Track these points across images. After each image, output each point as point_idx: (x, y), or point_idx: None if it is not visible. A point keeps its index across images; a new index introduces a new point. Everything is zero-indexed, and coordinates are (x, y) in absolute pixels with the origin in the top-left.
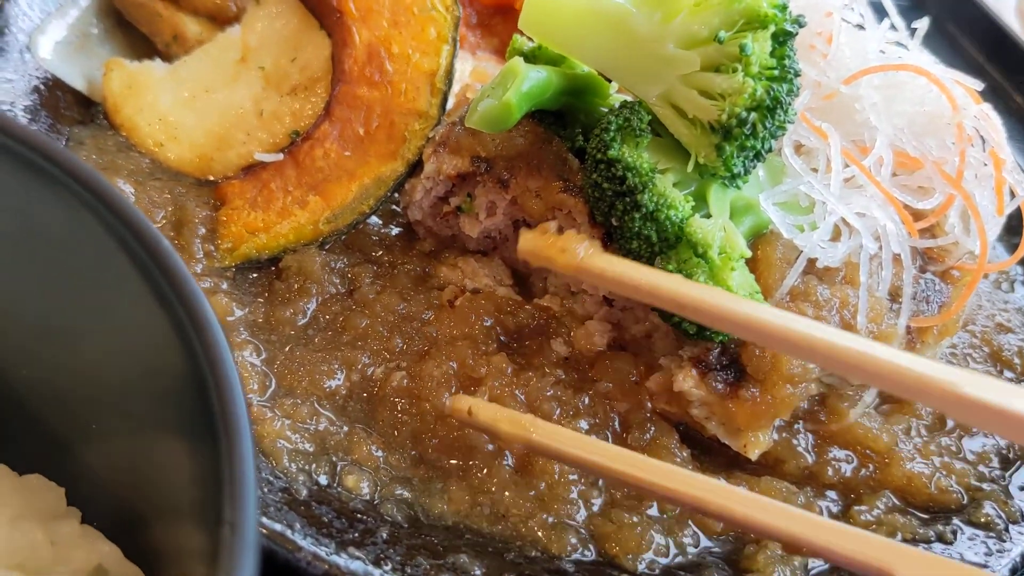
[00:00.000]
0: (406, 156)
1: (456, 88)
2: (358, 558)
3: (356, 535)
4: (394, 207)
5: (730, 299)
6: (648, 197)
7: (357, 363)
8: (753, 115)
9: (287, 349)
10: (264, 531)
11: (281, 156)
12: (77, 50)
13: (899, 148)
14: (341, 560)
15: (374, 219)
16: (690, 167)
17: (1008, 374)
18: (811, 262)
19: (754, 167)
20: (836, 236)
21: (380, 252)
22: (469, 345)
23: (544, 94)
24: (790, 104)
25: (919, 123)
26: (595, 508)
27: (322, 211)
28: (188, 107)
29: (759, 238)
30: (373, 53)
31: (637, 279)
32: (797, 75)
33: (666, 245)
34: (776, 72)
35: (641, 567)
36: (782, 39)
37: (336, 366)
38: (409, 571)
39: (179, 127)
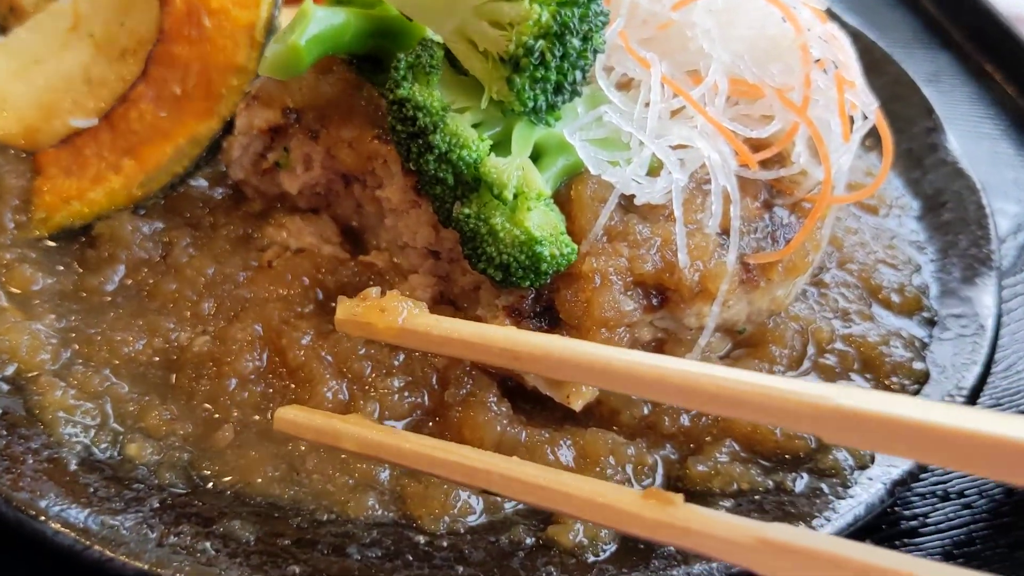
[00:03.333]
0: (222, 113)
1: None
2: (112, 526)
3: (121, 504)
4: (223, 168)
5: (565, 344)
6: (440, 137)
7: (161, 329)
8: (541, 43)
9: (91, 318)
10: (7, 498)
11: (96, 121)
12: None
13: (739, 76)
14: (94, 527)
15: (200, 181)
16: (483, 103)
17: (883, 312)
18: (632, 201)
19: (562, 101)
20: (660, 172)
21: (203, 215)
22: (282, 307)
23: (342, 36)
24: (591, 32)
25: (761, 48)
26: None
27: (136, 175)
28: (17, 79)
29: (575, 178)
30: (192, 9)
31: (466, 335)
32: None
33: (467, 189)
34: None
35: (444, 528)
36: None
37: (138, 333)
38: (172, 539)
39: (7, 100)
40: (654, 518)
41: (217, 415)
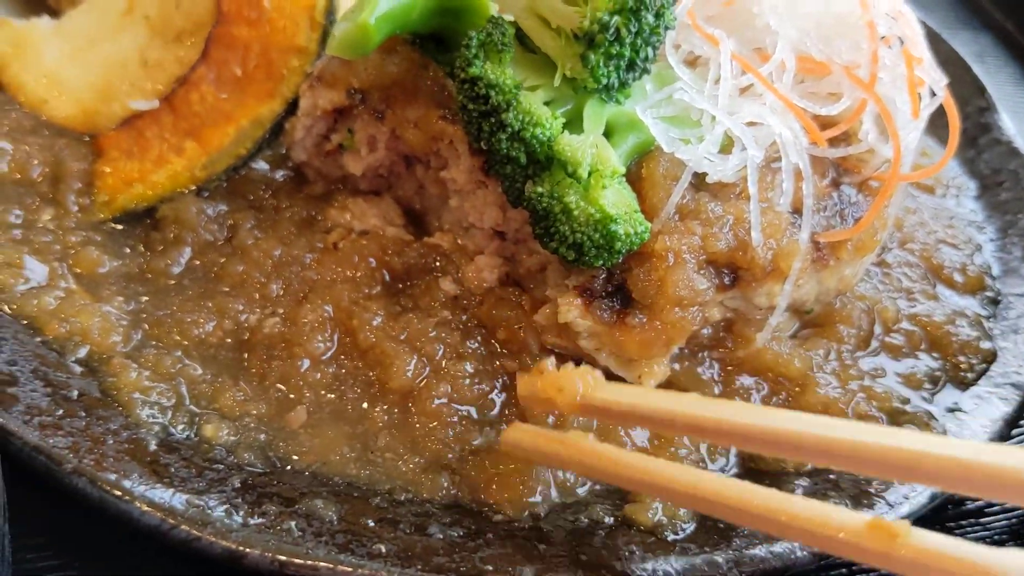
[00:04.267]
0: (284, 94)
1: None
2: (197, 506)
3: (203, 484)
4: (283, 151)
5: (755, 414)
6: (513, 116)
7: (230, 310)
8: (616, 18)
9: (159, 299)
10: (91, 479)
11: (156, 103)
12: None
13: (805, 53)
14: (179, 506)
15: (262, 164)
16: (557, 80)
17: (946, 291)
18: (703, 179)
19: (632, 79)
20: (731, 149)
21: (266, 197)
22: (350, 288)
23: (409, 15)
24: (663, 8)
25: (827, 25)
26: (474, 448)
27: (199, 157)
28: (73, 62)
29: (646, 155)
30: None
31: (648, 407)
32: None
33: (539, 167)
34: None
35: (524, 512)
36: None
37: (208, 314)
38: (257, 519)
39: (63, 82)
40: (881, 551)
41: (291, 396)
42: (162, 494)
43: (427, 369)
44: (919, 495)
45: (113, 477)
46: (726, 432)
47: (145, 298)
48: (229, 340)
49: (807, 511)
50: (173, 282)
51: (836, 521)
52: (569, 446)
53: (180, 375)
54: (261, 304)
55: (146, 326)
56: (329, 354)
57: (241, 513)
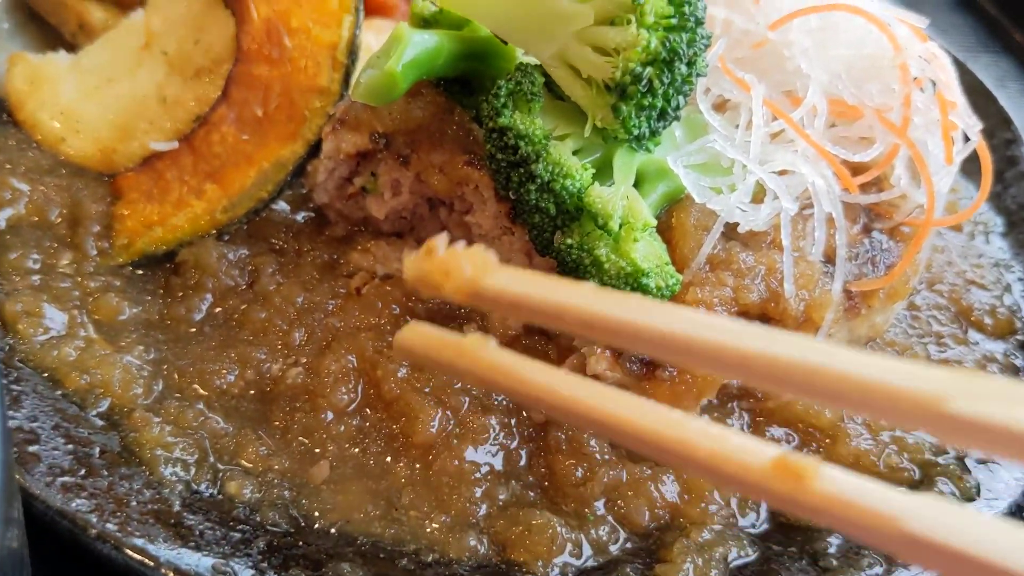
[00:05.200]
0: (306, 136)
1: None
2: (224, 572)
3: (228, 547)
4: (304, 192)
5: (660, 313)
6: (543, 167)
7: (252, 360)
8: (648, 70)
9: (179, 348)
10: (117, 544)
11: (176, 144)
12: None
13: (836, 96)
14: (205, 573)
15: (282, 205)
16: (587, 131)
17: (976, 335)
18: (733, 227)
19: (662, 127)
20: (762, 197)
21: (287, 241)
22: (373, 336)
23: (435, 60)
24: (696, 56)
25: (859, 68)
26: (501, 506)
27: (219, 200)
28: (90, 99)
29: (675, 204)
30: (272, 29)
31: (540, 298)
32: (700, 23)
33: (568, 218)
34: (674, 21)
35: (553, 573)
36: None
37: (229, 364)
38: None
39: (81, 120)
40: (786, 494)
41: (316, 449)
42: (188, 559)
43: (452, 423)
44: None
45: (139, 542)
46: (619, 331)
47: (166, 347)
48: (252, 391)
49: (711, 442)
50: (194, 329)
51: (741, 456)
52: (465, 355)
53: (202, 428)
54: (284, 353)
55: (167, 376)
56: (353, 406)
57: None
